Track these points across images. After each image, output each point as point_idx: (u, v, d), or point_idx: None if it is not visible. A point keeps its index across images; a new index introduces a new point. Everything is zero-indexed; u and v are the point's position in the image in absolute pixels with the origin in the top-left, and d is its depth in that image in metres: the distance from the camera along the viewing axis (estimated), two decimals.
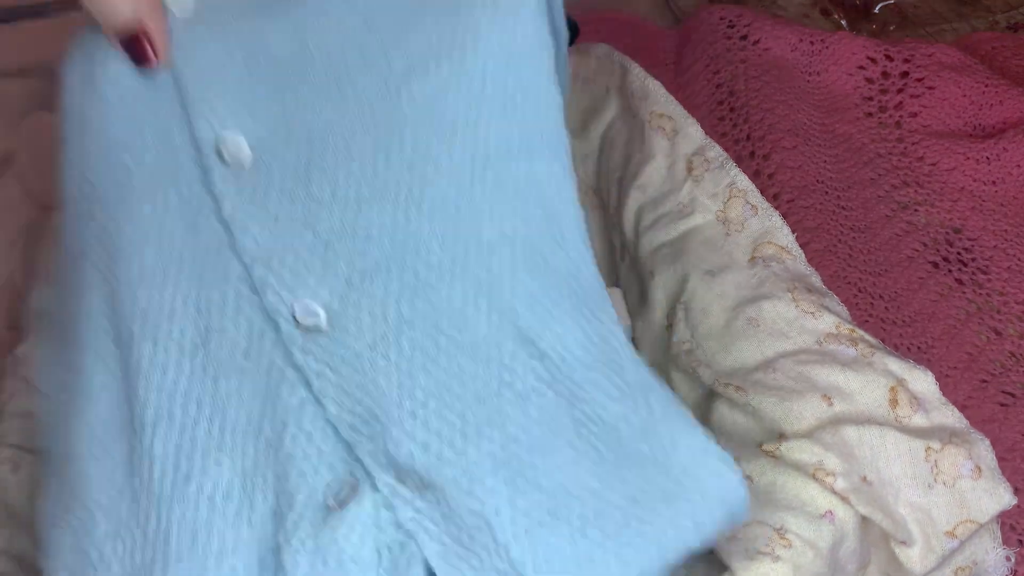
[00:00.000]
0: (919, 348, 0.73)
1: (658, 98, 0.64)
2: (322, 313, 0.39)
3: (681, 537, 0.38)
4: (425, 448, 0.37)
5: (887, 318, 0.75)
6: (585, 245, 0.44)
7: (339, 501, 0.36)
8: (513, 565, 0.36)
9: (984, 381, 0.71)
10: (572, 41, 0.90)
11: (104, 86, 0.41)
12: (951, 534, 0.50)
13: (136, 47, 0.40)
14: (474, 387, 0.39)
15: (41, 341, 0.43)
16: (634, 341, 0.63)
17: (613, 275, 0.68)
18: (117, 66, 0.41)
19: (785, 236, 0.58)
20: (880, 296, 0.76)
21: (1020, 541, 0.61)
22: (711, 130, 0.64)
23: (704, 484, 0.40)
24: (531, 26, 0.42)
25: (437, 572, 0.35)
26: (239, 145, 0.40)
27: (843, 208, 0.81)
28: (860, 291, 0.76)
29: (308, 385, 0.38)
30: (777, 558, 0.47)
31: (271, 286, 0.39)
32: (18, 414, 0.60)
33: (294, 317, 0.39)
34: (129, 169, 0.40)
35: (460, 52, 0.41)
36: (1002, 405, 0.70)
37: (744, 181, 0.60)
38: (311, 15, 0.42)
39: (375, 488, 0.36)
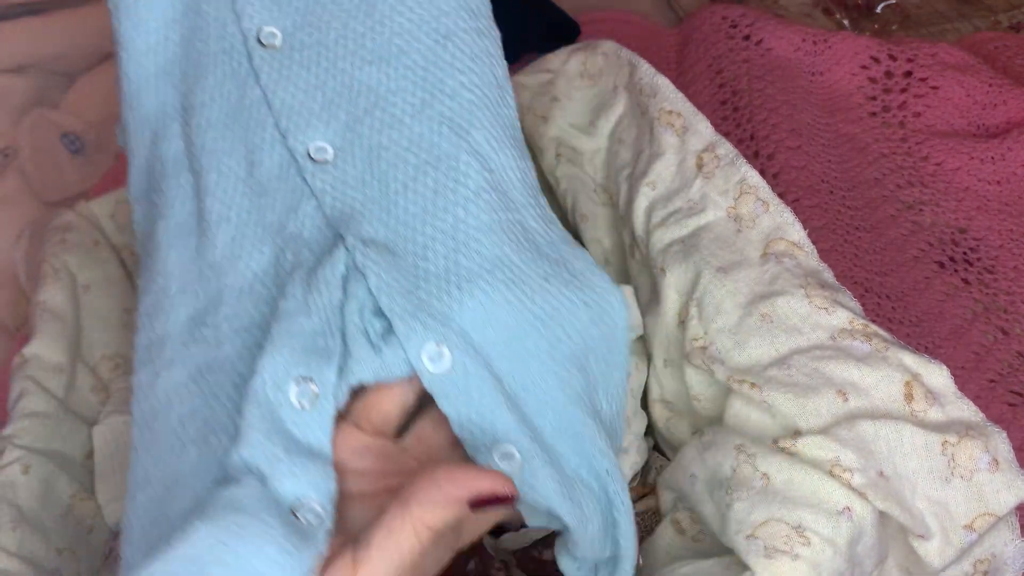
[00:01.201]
0: (926, 348, 0.72)
1: (667, 95, 0.64)
2: (330, 150, 0.53)
3: (576, 315, 0.51)
4: (394, 230, 0.50)
5: (894, 317, 0.75)
6: (517, 110, 0.58)
7: (323, 256, 0.49)
8: (451, 306, 0.47)
9: (992, 381, 0.71)
10: (572, 40, 0.91)
11: None
12: (969, 527, 0.50)
13: None
14: (435, 186, 0.52)
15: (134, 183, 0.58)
16: (645, 338, 0.63)
17: (624, 272, 0.67)
18: None
19: (797, 232, 0.58)
20: (887, 296, 0.76)
21: None
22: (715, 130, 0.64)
23: (594, 286, 0.53)
24: None
25: (377, 298, 0.46)
26: (274, 33, 0.56)
27: (848, 208, 0.81)
28: (867, 291, 0.76)
29: (318, 199, 0.52)
30: (796, 556, 0.47)
31: (292, 132, 0.53)
32: (28, 415, 0.59)
33: (309, 154, 0.53)
34: (199, 51, 0.56)
35: None
36: (1010, 405, 0.70)
37: (755, 177, 0.60)
38: None
39: (347, 248, 0.48)
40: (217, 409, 0.47)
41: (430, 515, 0.38)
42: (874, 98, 0.88)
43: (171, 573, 0.36)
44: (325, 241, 0.50)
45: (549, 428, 0.48)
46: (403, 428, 0.47)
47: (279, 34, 0.56)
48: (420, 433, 0.47)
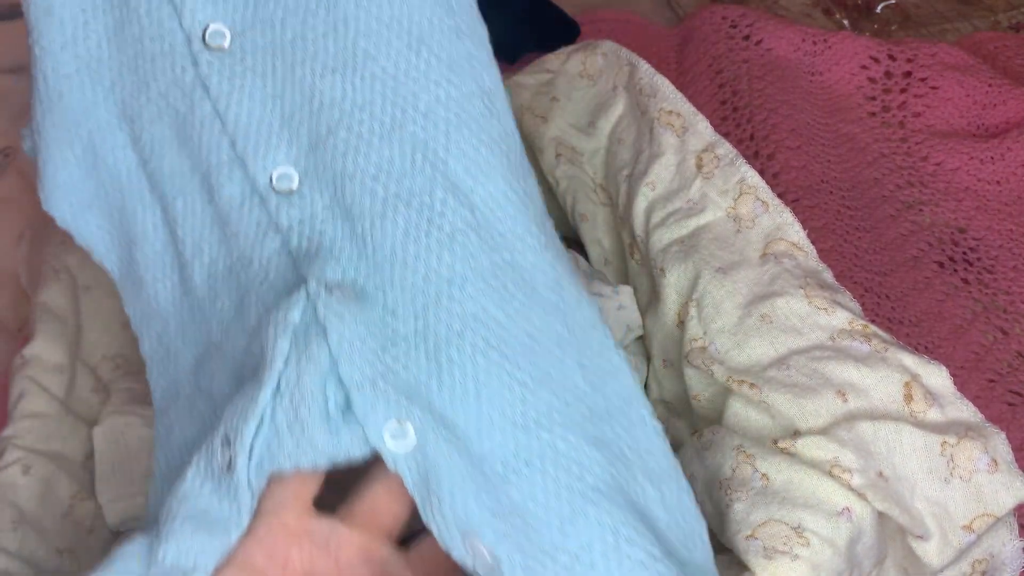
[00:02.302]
0: (926, 348, 0.73)
1: (667, 95, 0.64)
2: (295, 176, 0.47)
3: (569, 378, 0.45)
4: (364, 274, 0.45)
5: (894, 317, 0.75)
6: (512, 119, 0.51)
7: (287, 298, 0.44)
8: (418, 377, 0.42)
9: (991, 381, 0.71)
10: (572, 40, 0.91)
11: None
12: (968, 528, 0.50)
13: None
14: (405, 226, 0.46)
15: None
16: (644, 338, 0.63)
17: (623, 272, 0.67)
18: None
19: (796, 232, 0.58)
20: (887, 296, 0.76)
21: None
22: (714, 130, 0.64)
23: (594, 343, 0.47)
24: None
25: (337, 362, 0.41)
26: (222, 33, 0.48)
27: (848, 208, 0.81)
28: (867, 291, 0.76)
29: (283, 235, 0.46)
30: (796, 557, 0.47)
31: (251, 156, 0.47)
32: (28, 415, 0.59)
33: (272, 183, 0.47)
34: (134, 50, 0.49)
35: None
36: (1009, 404, 0.70)
37: (754, 178, 0.60)
38: None
39: (307, 294, 0.43)
40: None
41: None
42: (874, 98, 0.88)
43: None
44: (290, 283, 0.45)
45: (543, 516, 0.41)
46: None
47: (227, 33, 0.48)
48: (424, 548, 0.42)
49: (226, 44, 0.48)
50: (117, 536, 0.61)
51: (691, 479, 0.54)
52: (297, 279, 0.45)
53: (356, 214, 0.46)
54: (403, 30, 0.49)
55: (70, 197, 0.51)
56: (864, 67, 0.89)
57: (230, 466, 0.39)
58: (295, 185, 0.47)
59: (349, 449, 0.40)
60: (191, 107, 0.48)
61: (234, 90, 0.47)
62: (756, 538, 0.48)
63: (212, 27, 0.48)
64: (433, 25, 0.49)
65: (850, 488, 0.49)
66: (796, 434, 0.51)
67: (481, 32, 0.51)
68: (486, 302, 0.44)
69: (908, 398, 0.52)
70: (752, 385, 0.53)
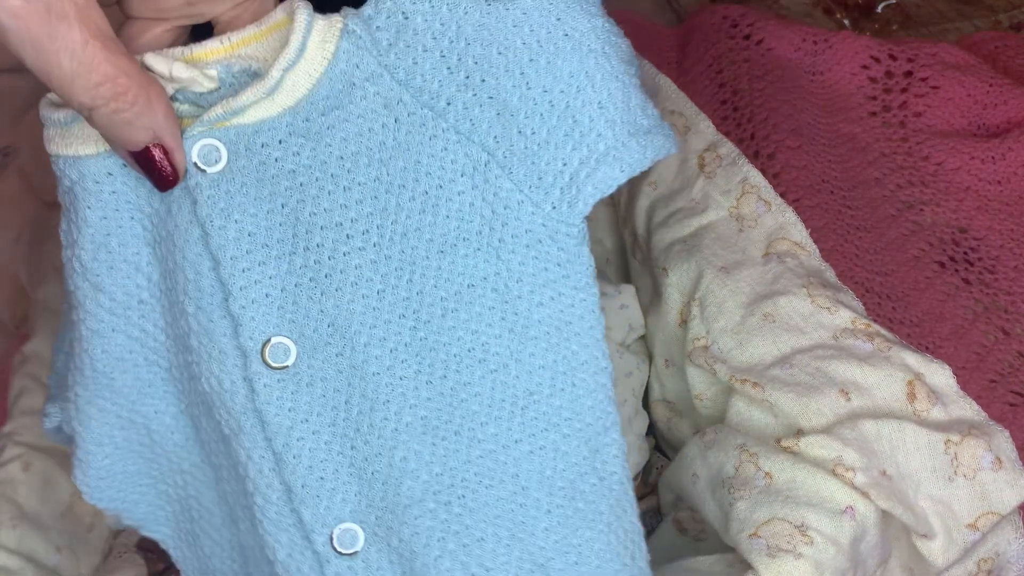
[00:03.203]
0: (927, 348, 0.72)
1: (669, 95, 0.64)
2: (361, 536, 0.40)
3: None
4: None
5: (895, 318, 0.75)
6: (628, 476, 0.42)
7: None
8: None
9: (993, 381, 0.71)
10: None
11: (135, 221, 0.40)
12: (973, 526, 0.50)
13: (153, 164, 0.37)
14: None
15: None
16: (647, 338, 0.63)
17: (624, 272, 0.67)
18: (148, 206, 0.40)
19: (799, 232, 0.58)
20: (887, 296, 0.76)
21: None
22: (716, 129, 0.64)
23: None
24: (578, 264, 0.42)
25: None
26: (286, 348, 0.39)
27: (849, 208, 0.81)
28: (867, 291, 0.76)
29: None
30: (799, 555, 0.47)
31: (309, 509, 0.40)
32: (28, 412, 0.59)
33: (332, 541, 0.40)
34: (183, 346, 0.41)
35: (504, 285, 0.40)
36: (1011, 405, 0.70)
37: (757, 177, 0.60)
38: (353, 202, 0.39)
39: None
40: None
41: None
42: (874, 98, 0.88)
43: None
44: None
45: None
46: None
47: (293, 349, 0.39)
48: None
49: (290, 362, 0.39)
50: (117, 535, 0.61)
51: (694, 478, 0.54)
52: None
53: None
54: (510, 377, 0.40)
55: (117, 483, 0.45)
56: (865, 67, 0.89)
57: None
58: (360, 546, 0.40)
59: None
60: (238, 433, 0.40)
61: (296, 425, 0.39)
62: (759, 537, 0.48)
63: (275, 340, 0.39)
64: (544, 378, 0.40)
65: (853, 487, 0.49)
66: (799, 433, 0.51)
67: (601, 371, 0.41)
68: None
69: (911, 397, 0.52)
70: (755, 384, 0.53)
